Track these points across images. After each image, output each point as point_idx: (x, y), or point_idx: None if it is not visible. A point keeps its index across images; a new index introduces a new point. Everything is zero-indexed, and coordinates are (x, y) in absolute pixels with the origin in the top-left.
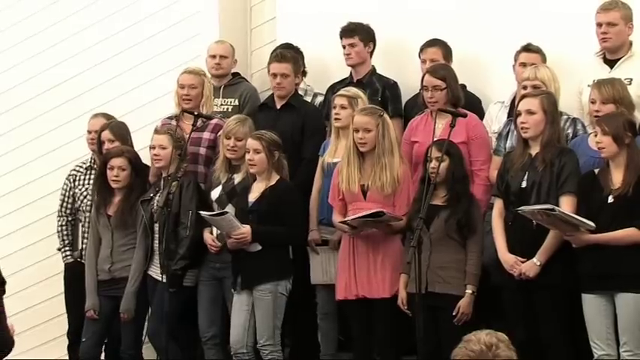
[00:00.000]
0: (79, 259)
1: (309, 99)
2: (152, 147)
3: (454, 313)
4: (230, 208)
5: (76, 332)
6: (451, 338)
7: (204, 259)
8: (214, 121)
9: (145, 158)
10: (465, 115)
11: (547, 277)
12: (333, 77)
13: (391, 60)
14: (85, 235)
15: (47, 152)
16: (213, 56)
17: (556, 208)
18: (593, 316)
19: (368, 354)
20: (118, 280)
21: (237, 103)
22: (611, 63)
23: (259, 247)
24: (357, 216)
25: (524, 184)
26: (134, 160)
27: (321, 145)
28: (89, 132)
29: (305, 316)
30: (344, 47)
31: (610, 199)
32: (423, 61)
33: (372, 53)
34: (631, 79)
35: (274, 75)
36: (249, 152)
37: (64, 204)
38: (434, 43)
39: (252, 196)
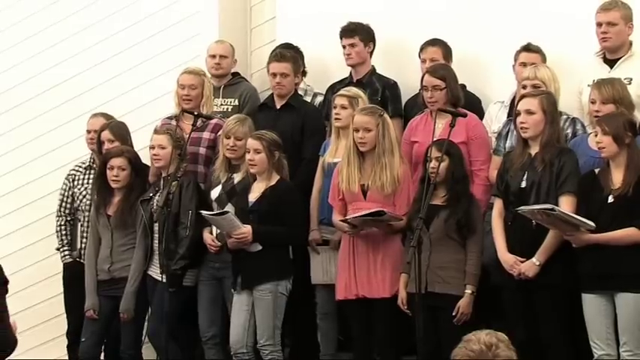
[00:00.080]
0: (77, 259)
1: (308, 99)
2: (152, 147)
3: (454, 314)
4: (230, 208)
5: (75, 332)
6: (451, 338)
7: (204, 259)
8: (214, 120)
9: (145, 158)
10: (464, 115)
11: (547, 276)
12: (332, 77)
13: (391, 60)
14: (84, 234)
15: (47, 152)
16: (213, 56)
17: (556, 207)
18: (593, 316)
19: (368, 354)
20: (117, 280)
21: (237, 103)
22: (611, 63)
23: (259, 247)
24: (357, 215)
25: (523, 184)
26: (134, 160)
27: (320, 145)
28: (88, 132)
29: (305, 316)
30: (344, 47)
31: (610, 199)
32: (423, 61)
33: (371, 53)
34: (631, 79)
35: (274, 74)
36: (249, 152)
37: (63, 204)
38: (434, 42)
39: (253, 196)
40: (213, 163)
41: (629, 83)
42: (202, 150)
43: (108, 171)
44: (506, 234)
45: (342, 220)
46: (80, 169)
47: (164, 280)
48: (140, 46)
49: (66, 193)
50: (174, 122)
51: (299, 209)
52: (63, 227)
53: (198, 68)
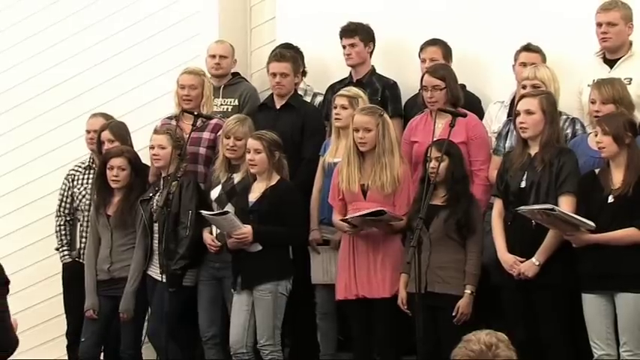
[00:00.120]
0: (77, 259)
1: (308, 99)
2: (151, 147)
3: (454, 314)
4: (230, 208)
5: (75, 332)
6: (451, 338)
7: (203, 259)
8: (214, 120)
9: (145, 158)
10: (464, 115)
11: (547, 276)
12: (332, 77)
13: (391, 60)
14: (83, 234)
15: (47, 152)
16: (213, 56)
17: (556, 208)
18: (593, 316)
19: (368, 354)
20: (117, 279)
21: (236, 103)
22: (610, 63)
23: (260, 247)
24: (358, 214)
25: (523, 184)
26: (134, 160)
27: (320, 145)
28: (88, 132)
29: (305, 316)
30: (344, 47)
31: (610, 199)
32: (423, 61)
33: (371, 53)
34: (631, 79)
35: (274, 74)
36: (249, 152)
37: (63, 204)
38: (434, 42)
39: (253, 196)
40: (213, 163)
41: (629, 83)
42: (202, 150)
43: (108, 171)
44: (505, 234)
45: (342, 220)
46: (79, 169)
47: (164, 280)
48: (140, 46)
49: (65, 193)
50: (174, 122)
51: (299, 209)
52: (62, 227)
53: (198, 68)
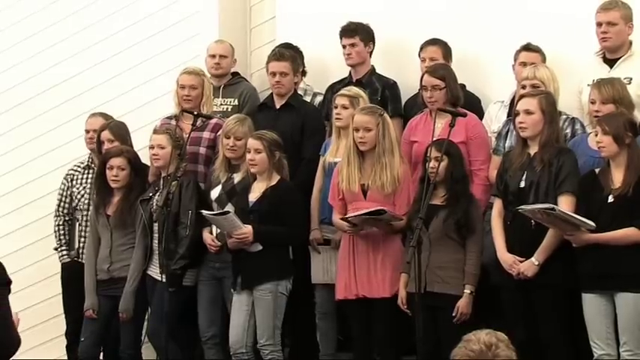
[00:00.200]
0: (75, 259)
1: (308, 99)
2: (151, 147)
3: (453, 314)
4: (230, 208)
5: (74, 332)
6: (451, 338)
7: (203, 259)
8: (214, 120)
9: (145, 158)
10: (464, 115)
11: (546, 276)
12: (332, 77)
13: (391, 60)
14: (82, 234)
15: (46, 152)
16: (213, 56)
17: (556, 207)
18: (593, 316)
19: (368, 354)
20: (117, 279)
21: (236, 102)
22: (610, 62)
23: (260, 247)
24: (358, 213)
25: (522, 184)
26: (133, 160)
27: (320, 145)
28: (87, 131)
29: (304, 316)
30: (344, 47)
31: (610, 199)
32: (423, 60)
33: (371, 53)
34: (631, 79)
35: (273, 74)
36: (249, 152)
37: (62, 204)
38: (434, 42)
39: (253, 196)
40: (213, 162)
41: (629, 83)
42: (202, 150)
43: (107, 171)
44: (505, 234)
45: (342, 219)
46: (78, 169)
47: (164, 280)
48: (140, 46)
49: (64, 193)
50: (173, 122)
51: (299, 209)
52: (61, 227)
53: (198, 68)
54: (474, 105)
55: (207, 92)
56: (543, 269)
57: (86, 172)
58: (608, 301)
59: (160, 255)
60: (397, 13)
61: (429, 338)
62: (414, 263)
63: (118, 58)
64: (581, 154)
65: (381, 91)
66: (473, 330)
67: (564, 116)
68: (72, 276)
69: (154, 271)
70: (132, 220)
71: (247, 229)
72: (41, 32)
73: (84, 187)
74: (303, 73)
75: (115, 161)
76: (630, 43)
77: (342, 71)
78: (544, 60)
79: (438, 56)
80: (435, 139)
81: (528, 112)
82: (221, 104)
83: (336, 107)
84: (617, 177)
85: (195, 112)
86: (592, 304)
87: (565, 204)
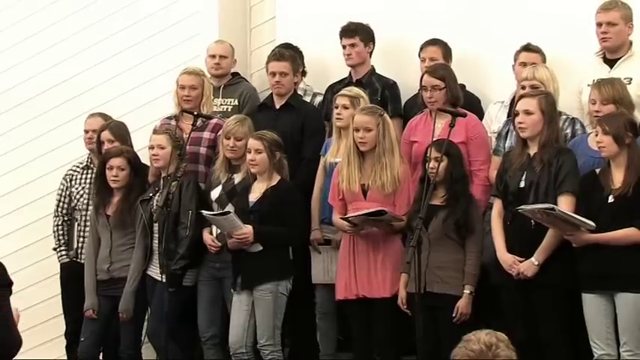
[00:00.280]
0: (74, 259)
1: (308, 99)
2: (151, 147)
3: (453, 314)
4: (230, 208)
5: (73, 332)
6: (451, 338)
7: (203, 259)
8: (214, 120)
9: (145, 158)
10: (464, 115)
11: (546, 276)
12: (332, 77)
13: (391, 60)
14: (81, 234)
15: (46, 152)
16: (213, 56)
17: (556, 207)
18: (593, 316)
19: (368, 354)
20: (116, 279)
21: (236, 103)
22: (610, 63)
23: (260, 248)
24: (359, 213)
25: (522, 184)
26: (133, 160)
27: (320, 145)
28: (86, 131)
29: (305, 316)
30: (344, 47)
31: (610, 199)
32: (423, 60)
33: (371, 53)
34: (631, 79)
35: (273, 74)
36: (250, 152)
37: (61, 204)
38: (434, 42)
39: (253, 196)
40: (214, 162)
41: (629, 83)
42: (203, 150)
43: (107, 171)
44: (505, 234)
45: (342, 218)
46: (77, 169)
47: (164, 280)
48: (140, 46)
49: (63, 193)
50: (173, 122)
51: (300, 209)
52: (60, 227)
53: (198, 68)
54: (474, 105)
55: (207, 92)
56: (543, 269)
57: (85, 172)
58: (608, 301)
59: (160, 255)
60: (397, 13)
61: (429, 338)
62: (414, 263)
63: (118, 58)
64: (581, 154)
65: (381, 92)
66: (473, 330)
67: (564, 116)
68: (71, 276)
69: (154, 271)
70: (132, 220)
71: (247, 230)
72: (41, 32)
73: (83, 187)
74: (303, 74)
75: (115, 161)
76: (630, 43)
77: (342, 71)
78: (544, 60)
79: (438, 56)
80: (434, 139)
81: (528, 113)
82: (221, 104)
83: (336, 107)
84: (618, 177)
85: (195, 113)
86: (592, 304)
87: (565, 204)
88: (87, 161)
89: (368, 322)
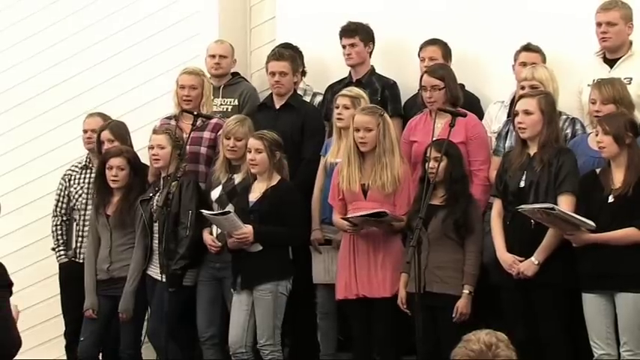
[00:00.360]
0: (73, 259)
1: (308, 99)
2: (151, 147)
3: (453, 315)
4: (230, 208)
5: (73, 332)
6: (450, 338)
7: (203, 259)
8: (214, 120)
9: (145, 158)
10: (464, 115)
11: (546, 275)
12: (332, 77)
13: (391, 60)
14: (79, 234)
15: (46, 152)
16: (213, 56)
17: (556, 207)
18: (593, 316)
19: (368, 354)
20: (116, 279)
21: (236, 102)
22: (610, 62)
23: (260, 248)
24: (359, 214)
25: (522, 184)
26: (133, 160)
27: (320, 145)
28: (85, 131)
29: (305, 316)
30: (344, 47)
31: (610, 199)
32: (422, 60)
33: (371, 53)
34: (631, 79)
35: (273, 73)
36: (250, 152)
37: (59, 204)
38: (433, 42)
39: (253, 196)
40: (214, 162)
41: (629, 83)
42: (203, 150)
43: (107, 171)
44: (505, 233)
45: (343, 218)
46: (76, 169)
47: (164, 280)
48: (139, 46)
49: (62, 193)
50: (173, 122)
51: (300, 209)
52: (59, 227)
53: (198, 68)
54: (474, 105)
55: (207, 92)
56: (543, 269)
57: (84, 172)
58: (608, 301)
59: (160, 255)
60: (397, 13)
61: (429, 338)
62: (414, 263)
63: (118, 58)
64: (581, 154)
65: (381, 91)
66: (473, 330)
67: (564, 116)
68: (70, 276)
69: (154, 271)
70: (131, 220)
71: (247, 229)
72: (41, 32)
73: (81, 187)
74: (303, 73)
75: (115, 161)
76: (630, 43)
77: (342, 71)
78: (544, 60)
79: (438, 56)
80: (434, 139)
81: (527, 113)
82: (221, 104)
83: (337, 107)
84: (618, 177)
85: (195, 113)
86: (592, 303)
87: (565, 204)
88: (85, 161)
89: (368, 322)
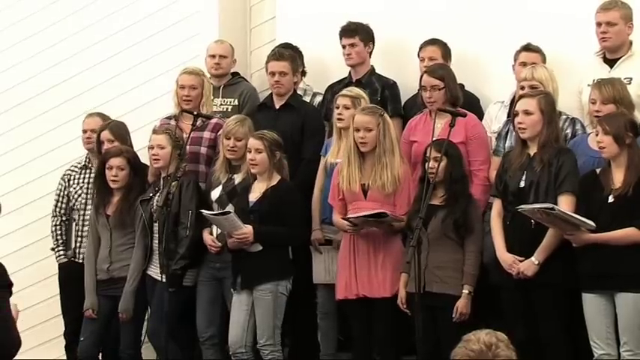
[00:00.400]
0: (72, 259)
1: (308, 99)
2: (150, 147)
3: (453, 314)
4: (230, 208)
5: (73, 332)
6: (450, 338)
7: (204, 259)
8: (214, 120)
9: (144, 158)
10: (464, 115)
11: (546, 275)
12: (332, 77)
13: (391, 60)
14: (79, 234)
15: (46, 152)
16: (213, 56)
17: (556, 207)
18: (593, 316)
19: (368, 354)
20: (116, 279)
21: (236, 102)
22: (610, 62)
23: (260, 248)
24: (360, 214)
25: (522, 184)
26: (133, 160)
27: (320, 145)
28: (84, 131)
29: (305, 316)
30: (344, 47)
31: (610, 199)
32: (422, 60)
33: (371, 53)
34: (631, 79)
35: (272, 73)
36: (250, 152)
37: (59, 204)
38: (433, 42)
39: (253, 196)
40: (214, 162)
41: (629, 83)
42: (203, 149)
43: (107, 171)
44: (504, 233)
45: (343, 218)
46: (76, 169)
47: (164, 280)
48: (139, 46)
49: (61, 193)
50: (173, 122)
51: (300, 209)
52: (58, 227)
53: (198, 68)
54: (473, 105)
55: (206, 92)
56: (543, 269)
57: (83, 172)
58: (608, 300)
59: (160, 255)
60: (397, 13)
61: (429, 338)
62: (414, 263)
63: (118, 58)
64: (581, 154)
65: (381, 91)
66: (473, 330)
67: (564, 116)
68: (69, 276)
69: (154, 271)
70: (131, 220)
71: (248, 230)
72: (41, 32)
73: (81, 187)
74: (303, 73)
75: (115, 161)
76: (630, 43)
77: (342, 71)
78: (544, 60)
79: (437, 56)
80: (434, 139)
81: (527, 113)
82: (221, 104)
83: (337, 107)
84: (618, 177)
85: (195, 113)
86: (592, 303)
87: (565, 204)
88: (85, 161)
89: (368, 322)
